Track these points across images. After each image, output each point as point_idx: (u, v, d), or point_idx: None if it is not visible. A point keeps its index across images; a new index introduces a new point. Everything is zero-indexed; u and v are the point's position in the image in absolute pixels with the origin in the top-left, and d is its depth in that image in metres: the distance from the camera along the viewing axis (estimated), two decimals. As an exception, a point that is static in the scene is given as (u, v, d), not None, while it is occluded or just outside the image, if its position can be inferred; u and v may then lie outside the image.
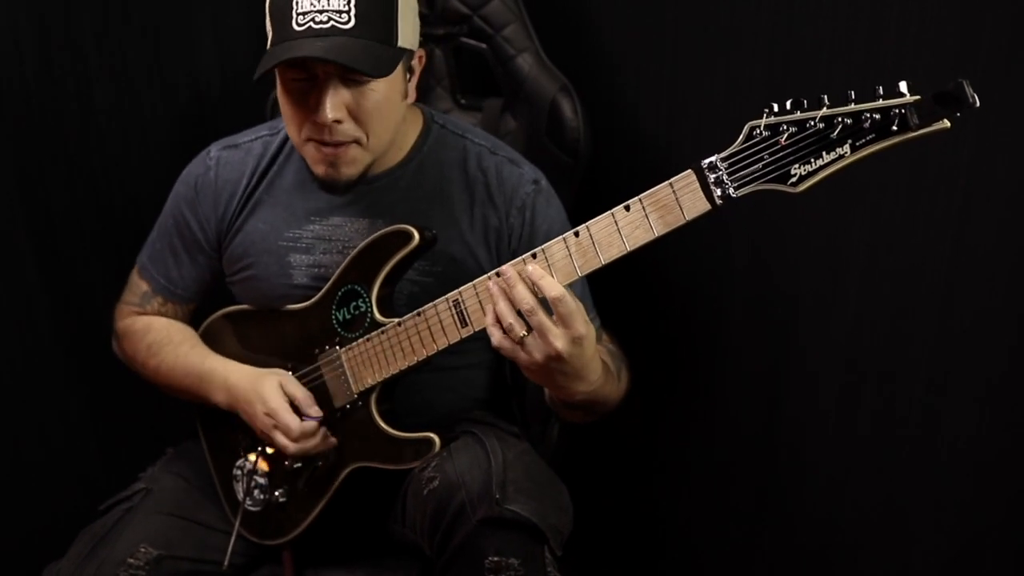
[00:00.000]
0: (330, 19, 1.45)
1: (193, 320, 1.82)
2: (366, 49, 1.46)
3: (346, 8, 1.45)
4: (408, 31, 1.53)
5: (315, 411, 1.61)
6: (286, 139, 1.71)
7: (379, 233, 1.57)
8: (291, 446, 1.59)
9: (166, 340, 1.76)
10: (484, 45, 1.97)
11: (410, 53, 1.56)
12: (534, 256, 1.37)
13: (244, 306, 1.75)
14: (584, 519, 1.66)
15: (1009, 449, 1.70)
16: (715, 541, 2.15)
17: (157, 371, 1.76)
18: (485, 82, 1.99)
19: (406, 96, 1.60)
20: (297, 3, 1.45)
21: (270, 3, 1.51)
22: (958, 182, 1.64)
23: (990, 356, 1.68)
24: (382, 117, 1.55)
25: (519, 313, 1.34)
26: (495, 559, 1.43)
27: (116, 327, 1.84)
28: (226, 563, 1.63)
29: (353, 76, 1.48)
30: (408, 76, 1.59)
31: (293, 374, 1.65)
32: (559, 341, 1.31)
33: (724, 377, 2.03)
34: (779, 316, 1.90)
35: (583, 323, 1.32)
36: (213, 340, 1.76)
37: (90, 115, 2.13)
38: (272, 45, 1.49)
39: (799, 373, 1.90)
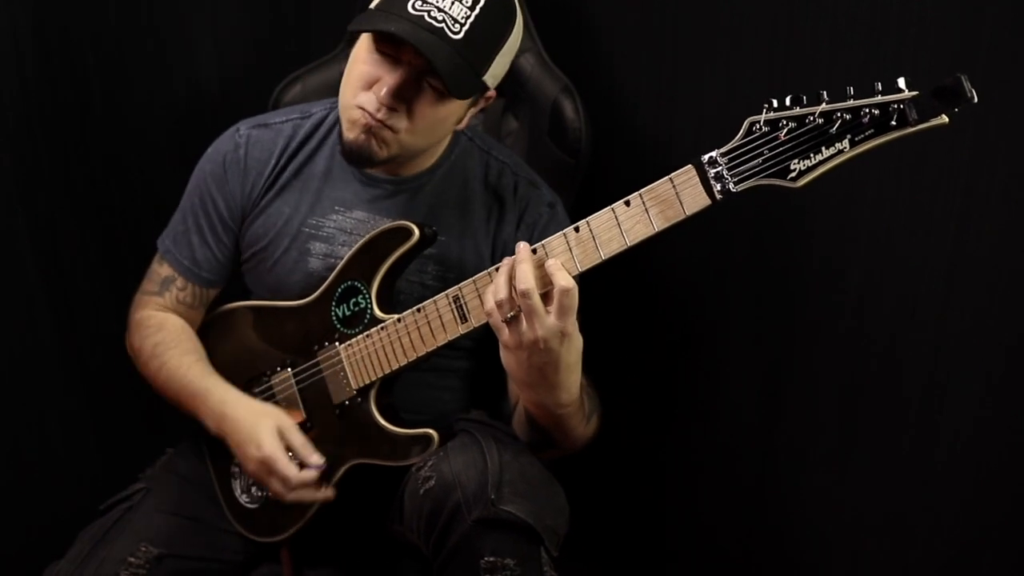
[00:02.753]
0: (443, 21, 1.45)
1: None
2: (458, 67, 1.47)
3: (463, 20, 1.46)
4: (498, 71, 1.55)
5: (316, 459, 1.58)
6: (318, 124, 1.71)
7: (379, 229, 1.57)
8: (287, 495, 1.57)
9: (174, 344, 1.72)
10: (485, 45, 1.97)
11: (485, 87, 1.56)
12: (534, 251, 1.37)
13: (244, 302, 1.75)
14: (582, 519, 1.66)
15: (1009, 449, 1.69)
16: (714, 541, 2.14)
17: (157, 374, 1.72)
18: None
19: (459, 122, 1.62)
20: None
21: None
22: (958, 181, 1.64)
23: (990, 356, 1.68)
24: (430, 128, 1.57)
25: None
26: (491, 559, 1.43)
27: (131, 317, 1.80)
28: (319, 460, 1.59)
29: (430, 79, 1.50)
30: (471, 106, 1.60)
31: (292, 370, 1.65)
32: (543, 329, 1.32)
33: (723, 377, 2.03)
34: (779, 315, 1.90)
35: (574, 324, 1.33)
36: (213, 336, 1.76)
37: (89, 114, 2.13)
38: (378, 10, 1.49)
39: (799, 372, 1.91)
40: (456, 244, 1.63)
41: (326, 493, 1.60)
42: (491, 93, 1.60)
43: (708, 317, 2.02)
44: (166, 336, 1.74)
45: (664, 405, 2.15)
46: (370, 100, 1.51)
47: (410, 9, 1.45)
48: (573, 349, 1.36)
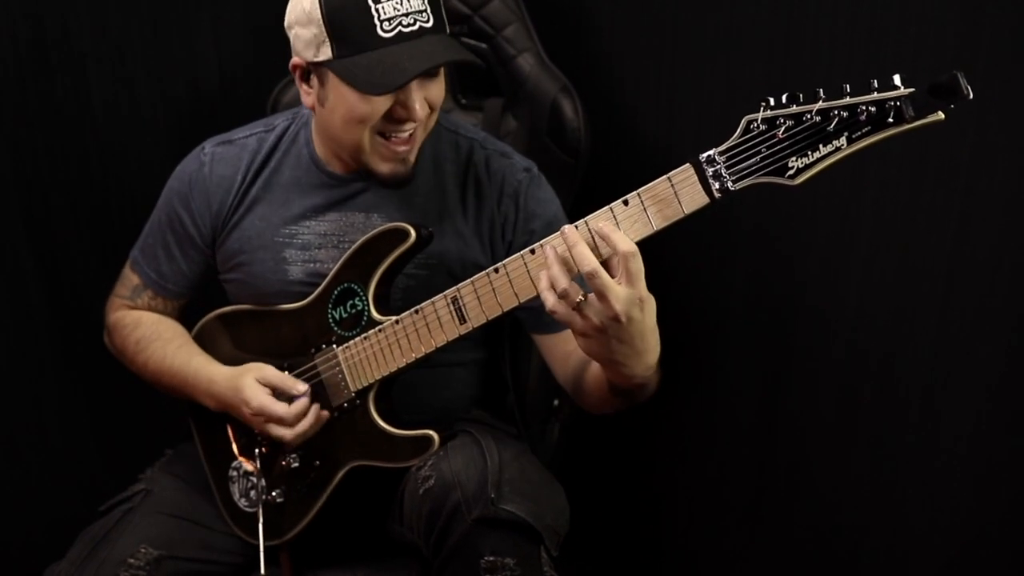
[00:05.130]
0: (415, 20, 1.47)
1: (186, 317, 1.82)
2: (453, 44, 1.51)
3: (424, 7, 1.48)
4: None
5: (300, 387, 1.60)
6: (282, 135, 1.72)
7: (375, 231, 1.57)
8: (289, 433, 1.58)
9: (154, 336, 1.76)
10: (485, 45, 1.97)
11: None
12: (532, 252, 1.37)
13: (239, 306, 1.74)
14: (583, 519, 1.66)
15: (1009, 449, 1.69)
16: (713, 541, 2.14)
17: (145, 367, 1.76)
18: (486, 82, 1.99)
19: None
20: (379, 11, 1.45)
21: (331, 12, 1.46)
22: (958, 181, 1.63)
23: (990, 356, 1.67)
24: (440, 104, 1.59)
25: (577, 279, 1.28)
26: (491, 559, 1.43)
27: (107, 320, 1.85)
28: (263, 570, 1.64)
29: (433, 71, 1.52)
30: None
31: (289, 374, 1.64)
32: (619, 303, 1.23)
33: (723, 377, 2.03)
34: (779, 315, 1.90)
35: (645, 287, 1.26)
36: (208, 341, 1.76)
37: (88, 114, 2.13)
38: (354, 54, 1.47)
39: (799, 372, 1.90)
40: (435, 229, 1.62)
41: (322, 414, 1.61)
42: None
43: (707, 317, 2.02)
44: (146, 331, 1.77)
45: (664, 405, 2.14)
46: (393, 125, 1.53)
47: (382, 33, 1.45)
48: (651, 311, 1.28)
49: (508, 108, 1.99)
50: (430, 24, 1.48)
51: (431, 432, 1.54)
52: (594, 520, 1.97)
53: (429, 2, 1.49)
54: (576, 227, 1.31)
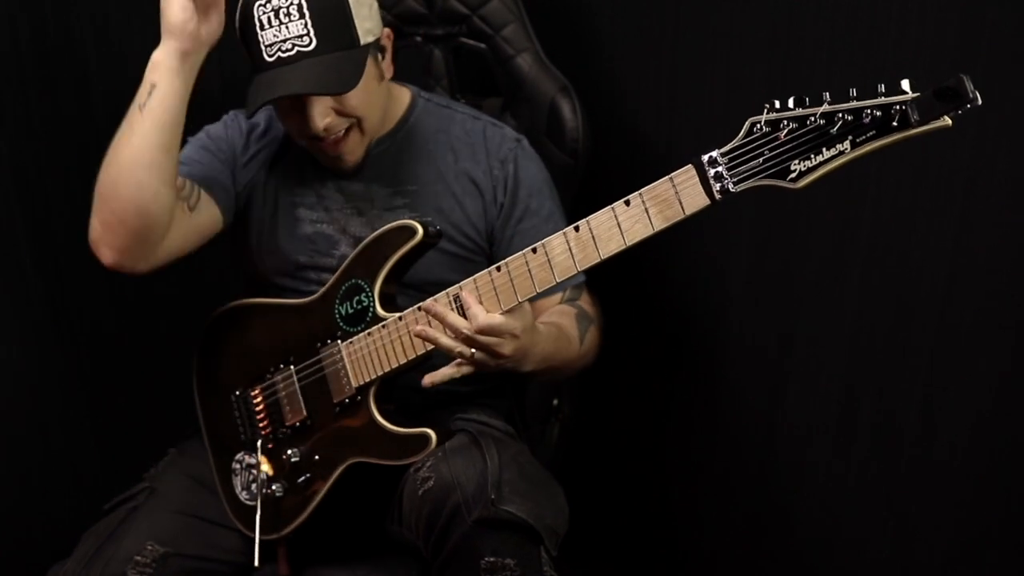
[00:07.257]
0: (294, 46, 1.54)
1: (203, 304, 1.81)
2: (332, 66, 1.54)
3: (305, 32, 1.53)
4: (366, 26, 1.60)
5: None
6: None
7: (383, 228, 1.60)
8: None
9: None
10: (483, 45, 1.97)
11: (375, 43, 1.62)
12: (534, 251, 1.39)
13: (249, 300, 1.76)
14: (582, 519, 1.66)
15: (1009, 449, 1.69)
16: (714, 541, 2.15)
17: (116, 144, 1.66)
18: (484, 82, 2.00)
19: (383, 77, 1.67)
20: (262, 38, 1.55)
21: (240, 33, 1.59)
22: (959, 182, 1.64)
23: (990, 356, 1.68)
24: (367, 106, 1.63)
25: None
26: (491, 559, 1.43)
27: None
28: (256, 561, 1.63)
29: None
30: (380, 57, 1.65)
31: (295, 367, 1.66)
32: (506, 348, 1.42)
33: (724, 378, 2.03)
34: (779, 315, 1.90)
35: (519, 324, 1.42)
36: (218, 333, 1.77)
37: (89, 115, 2.13)
38: (254, 73, 1.58)
39: (800, 373, 1.90)
40: (428, 189, 1.71)
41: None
42: (386, 31, 1.66)
43: (708, 317, 2.02)
44: None
45: (664, 405, 2.15)
46: (308, 137, 1.62)
47: (266, 58, 1.55)
48: (527, 334, 1.44)
49: (507, 108, 1.99)
50: (311, 47, 1.53)
51: (429, 430, 1.54)
52: (593, 520, 1.98)
53: (314, 23, 1.53)
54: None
